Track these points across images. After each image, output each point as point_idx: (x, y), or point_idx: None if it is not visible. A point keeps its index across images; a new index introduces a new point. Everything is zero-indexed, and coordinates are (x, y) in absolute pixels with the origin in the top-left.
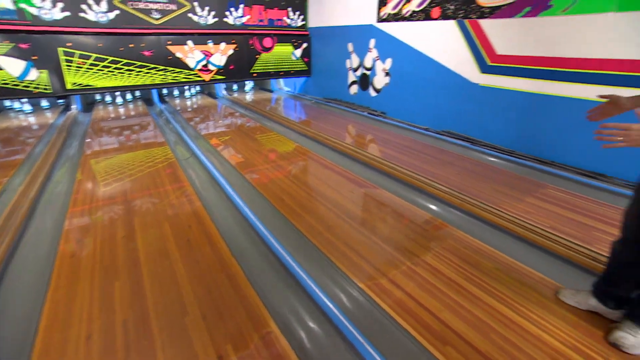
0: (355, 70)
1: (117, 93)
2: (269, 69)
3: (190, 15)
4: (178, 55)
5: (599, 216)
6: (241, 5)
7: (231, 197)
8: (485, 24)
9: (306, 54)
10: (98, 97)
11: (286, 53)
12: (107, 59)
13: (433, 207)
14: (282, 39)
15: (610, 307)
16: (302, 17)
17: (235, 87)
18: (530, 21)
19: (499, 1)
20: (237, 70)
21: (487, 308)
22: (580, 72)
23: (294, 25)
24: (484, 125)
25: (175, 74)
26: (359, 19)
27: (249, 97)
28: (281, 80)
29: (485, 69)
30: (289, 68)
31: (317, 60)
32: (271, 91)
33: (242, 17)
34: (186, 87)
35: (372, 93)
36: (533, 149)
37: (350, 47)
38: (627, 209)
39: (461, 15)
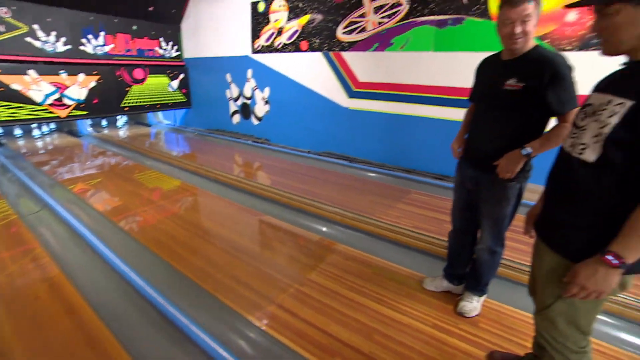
0: (235, 99)
1: None
2: (143, 101)
3: (29, 40)
4: (15, 86)
5: (448, 211)
6: (102, 33)
7: (100, 251)
8: (347, 56)
9: (184, 85)
10: None
11: (162, 84)
12: None
13: (318, 226)
14: (156, 70)
15: (456, 284)
16: (176, 47)
17: (104, 122)
18: (380, 54)
19: (354, 37)
20: (103, 104)
21: (369, 311)
22: (417, 95)
23: (167, 55)
24: (357, 144)
25: (12, 110)
26: (234, 50)
27: (122, 133)
28: (160, 113)
29: (351, 94)
30: (166, 100)
31: (196, 91)
32: (149, 125)
33: (104, 46)
34: (33, 125)
35: (255, 121)
36: (398, 160)
37: (228, 77)
38: (452, 203)
39: (326, 48)
